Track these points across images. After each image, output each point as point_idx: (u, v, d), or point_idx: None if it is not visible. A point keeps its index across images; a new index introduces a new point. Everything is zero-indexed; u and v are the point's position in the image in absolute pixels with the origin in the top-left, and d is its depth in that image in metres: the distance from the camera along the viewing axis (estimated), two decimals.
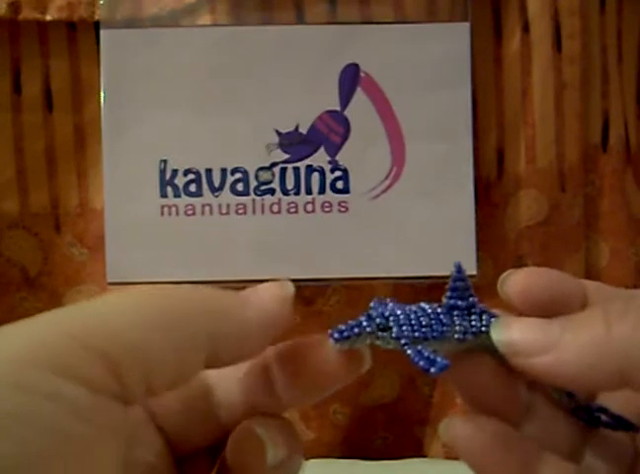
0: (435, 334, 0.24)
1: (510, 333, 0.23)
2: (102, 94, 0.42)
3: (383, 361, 0.45)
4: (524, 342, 0.23)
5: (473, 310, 0.24)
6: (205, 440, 0.25)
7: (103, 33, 0.41)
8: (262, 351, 0.24)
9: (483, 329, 0.24)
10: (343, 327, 0.23)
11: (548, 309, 0.24)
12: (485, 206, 0.43)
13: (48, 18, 0.42)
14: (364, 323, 0.23)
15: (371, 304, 0.24)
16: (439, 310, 0.24)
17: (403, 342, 0.23)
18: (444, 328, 0.24)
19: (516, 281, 0.25)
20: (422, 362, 0.23)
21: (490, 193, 0.44)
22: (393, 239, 0.42)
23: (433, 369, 0.23)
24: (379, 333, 0.23)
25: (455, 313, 0.24)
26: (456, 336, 0.24)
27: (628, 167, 0.44)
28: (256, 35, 0.42)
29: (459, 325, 0.24)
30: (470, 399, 0.25)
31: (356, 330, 0.23)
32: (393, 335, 0.23)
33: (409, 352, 0.23)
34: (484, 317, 0.24)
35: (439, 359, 0.23)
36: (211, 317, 0.22)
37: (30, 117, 0.44)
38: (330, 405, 0.45)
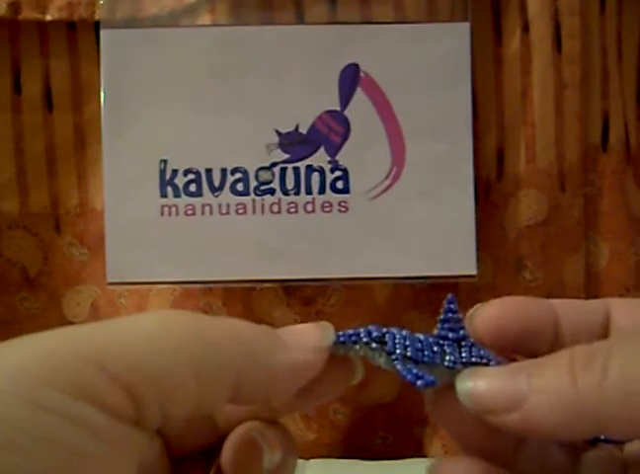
0: (425, 358, 0.24)
1: (475, 386, 0.23)
2: (102, 94, 0.42)
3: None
4: (491, 397, 0.22)
5: (464, 343, 0.25)
6: (202, 444, 0.25)
7: (103, 33, 0.41)
8: (287, 397, 0.23)
9: (473, 360, 0.24)
10: (341, 332, 0.24)
11: (519, 341, 0.24)
12: (485, 206, 0.43)
13: (48, 18, 0.42)
14: (362, 333, 0.24)
15: (370, 326, 0.24)
16: (430, 339, 0.25)
17: (394, 357, 0.24)
18: (435, 355, 0.24)
19: (483, 318, 0.25)
20: (409, 376, 0.23)
21: (490, 193, 0.44)
22: (393, 239, 0.42)
23: (419, 382, 0.23)
24: (374, 344, 0.24)
25: (447, 343, 0.25)
26: (446, 363, 0.24)
27: (628, 167, 0.44)
28: (256, 35, 0.42)
29: (450, 354, 0.24)
30: (457, 437, 0.25)
31: (353, 337, 0.24)
32: (386, 348, 0.24)
33: (398, 367, 0.23)
34: (473, 351, 0.24)
35: (425, 375, 0.23)
36: (241, 356, 0.22)
37: (30, 117, 0.44)
38: (330, 405, 0.45)
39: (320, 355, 0.23)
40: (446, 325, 0.25)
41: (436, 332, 0.25)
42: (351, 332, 0.24)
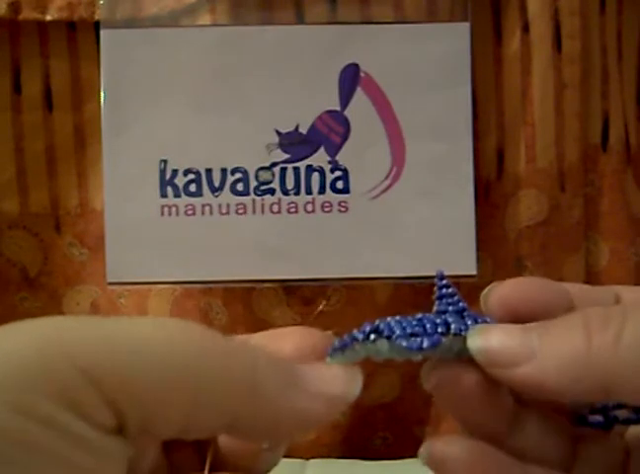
0: (429, 331, 0.23)
1: (486, 340, 0.23)
2: (102, 94, 0.42)
3: (383, 361, 0.45)
4: (502, 350, 0.22)
5: (465, 313, 0.24)
6: None
7: (103, 33, 0.41)
8: (289, 442, 0.23)
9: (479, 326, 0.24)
10: (337, 341, 0.23)
11: (532, 321, 0.23)
12: (485, 206, 0.43)
13: (48, 18, 0.42)
14: (356, 333, 0.23)
15: (363, 324, 0.24)
16: (431, 316, 0.24)
17: (394, 336, 0.23)
18: (439, 325, 0.23)
19: (496, 297, 0.24)
20: (414, 345, 0.23)
21: (490, 193, 0.44)
22: (393, 239, 0.42)
23: (426, 343, 0.22)
24: (371, 336, 0.23)
25: (448, 315, 0.24)
26: (452, 330, 0.23)
27: (628, 167, 0.44)
28: (256, 35, 0.42)
29: (454, 322, 0.23)
30: (454, 411, 0.25)
31: (347, 340, 0.23)
32: (385, 334, 0.23)
33: (403, 343, 0.23)
34: (478, 319, 0.24)
35: (428, 337, 0.23)
36: (242, 397, 0.20)
37: (30, 116, 0.44)
38: None
39: (338, 407, 0.22)
40: (444, 300, 0.24)
41: (434, 309, 0.24)
42: (345, 337, 0.23)
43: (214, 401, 0.20)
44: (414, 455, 0.46)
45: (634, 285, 0.43)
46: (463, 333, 0.23)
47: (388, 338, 0.23)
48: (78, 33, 0.43)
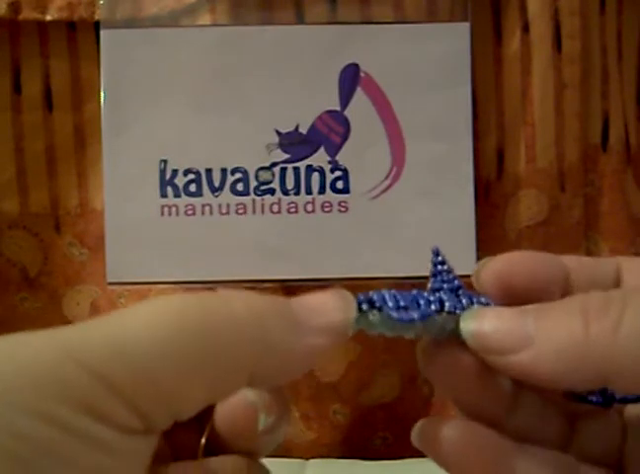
0: (422, 304, 0.23)
1: (480, 325, 0.22)
2: (102, 94, 0.42)
3: (383, 361, 0.45)
4: (495, 337, 0.22)
5: (460, 291, 0.23)
6: None
7: (103, 33, 0.41)
8: (302, 373, 0.22)
9: (474, 306, 0.23)
10: None
11: (528, 298, 0.23)
12: (485, 206, 0.43)
13: (48, 18, 0.42)
14: None
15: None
16: (425, 293, 0.23)
17: (386, 308, 0.22)
18: (433, 303, 0.23)
19: (489, 272, 0.24)
20: (405, 316, 0.22)
21: (490, 193, 0.44)
22: (393, 239, 0.42)
23: (416, 315, 0.22)
24: (363, 305, 0.22)
25: (443, 292, 0.23)
26: (446, 308, 0.23)
27: (628, 167, 0.44)
28: (256, 35, 0.42)
29: (448, 300, 0.23)
30: (449, 393, 0.24)
31: None
32: (377, 305, 0.22)
33: (393, 314, 0.22)
34: (473, 298, 0.23)
35: (419, 309, 0.22)
36: (256, 350, 0.20)
37: (30, 116, 0.44)
38: (330, 405, 0.45)
39: (341, 334, 0.22)
40: (439, 278, 0.24)
41: (429, 286, 0.24)
42: None
43: (233, 367, 0.20)
44: (414, 455, 0.46)
45: None
46: (458, 311, 0.23)
47: (380, 309, 0.22)
48: (78, 33, 0.43)
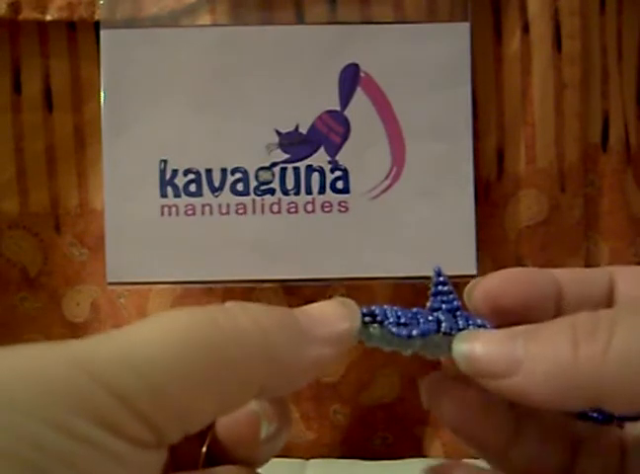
0: (422, 325, 0.23)
1: (471, 350, 0.22)
2: (102, 94, 0.42)
3: (383, 361, 0.45)
4: (487, 361, 0.22)
5: (458, 313, 0.24)
6: None
7: (103, 33, 0.41)
8: (309, 382, 0.23)
9: (470, 327, 0.23)
10: None
11: (520, 315, 0.23)
12: (485, 206, 0.43)
13: (48, 18, 0.42)
14: None
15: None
16: (424, 312, 0.24)
17: (387, 322, 0.23)
18: (431, 323, 0.23)
19: (480, 291, 0.24)
20: (404, 332, 0.23)
21: (490, 193, 0.44)
22: (393, 239, 0.42)
23: (415, 332, 0.22)
24: (365, 318, 0.23)
25: (441, 313, 0.24)
26: (443, 330, 0.23)
27: (628, 167, 0.44)
28: (256, 35, 0.42)
29: (445, 321, 0.23)
30: (453, 426, 0.24)
31: None
32: (378, 318, 0.23)
33: (393, 329, 0.23)
34: (470, 320, 0.24)
35: (419, 326, 0.23)
36: (266, 366, 0.21)
37: (30, 117, 0.44)
38: (330, 405, 0.45)
39: (345, 342, 0.22)
40: (439, 298, 0.24)
41: (428, 305, 0.24)
42: None
43: (241, 381, 0.20)
44: (414, 455, 0.46)
45: None
46: (453, 332, 0.23)
47: (380, 323, 0.23)
48: (78, 33, 0.43)
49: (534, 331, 0.22)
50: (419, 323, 0.23)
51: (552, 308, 0.24)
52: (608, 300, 0.25)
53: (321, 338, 0.22)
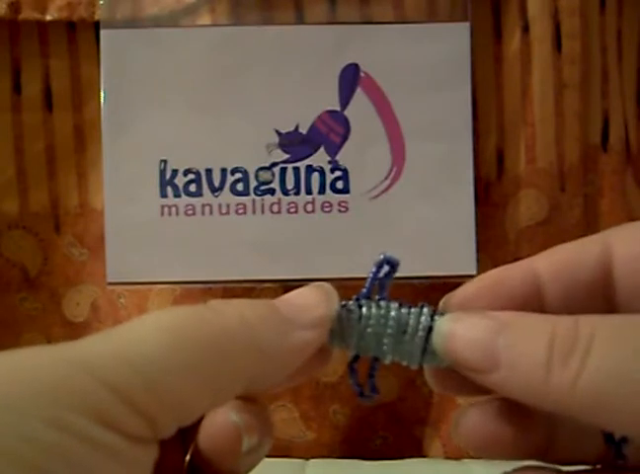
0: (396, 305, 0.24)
1: (452, 341, 0.23)
2: (102, 94, 0.42)
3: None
4: (466, 356, 0.22)
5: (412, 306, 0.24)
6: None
7: (103, 33, 0.41)
8: (292, 372, 0.23)
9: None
10: None
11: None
12: (485, 206, 0.43)
13: (48, 18, 0.42)
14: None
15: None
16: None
17: (364, 304, 0.24)
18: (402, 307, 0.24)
19: (455, 304, 0.24)
20: (383, 308, 0.24)
21: (490, 193, 0.44)
22: (393, 239, 0.42)
23: (393, 305, 0.23)
24: (343, 301, 0.24)
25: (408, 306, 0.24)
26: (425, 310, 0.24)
27: (628, 167, 0.44)
28: (256, 35, 0.42)
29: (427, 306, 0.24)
30: (481, 451, 0.24)
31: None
32: (357, 300, 0.24)
33: (372, 307, 0.24)
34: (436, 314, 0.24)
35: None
36: (254, 357, 0.22)
37: (30, 117, 0.44)
38: (330, 405, 0.45)
39: (326, 325, 0.23)
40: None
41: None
42: None
43: (231, 374, 0.21)
44: (414, 455, 0.46)
45: None
46: (429, 312, 0.24)
47: (359, 305, 0.24)
48: (78, 33, 0.43)
49: (515, 330, 0.22)
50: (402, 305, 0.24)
51: (536, 304, 0.24)
52: (604, 271, 0.24)
53: (303, 323, 0.23)
